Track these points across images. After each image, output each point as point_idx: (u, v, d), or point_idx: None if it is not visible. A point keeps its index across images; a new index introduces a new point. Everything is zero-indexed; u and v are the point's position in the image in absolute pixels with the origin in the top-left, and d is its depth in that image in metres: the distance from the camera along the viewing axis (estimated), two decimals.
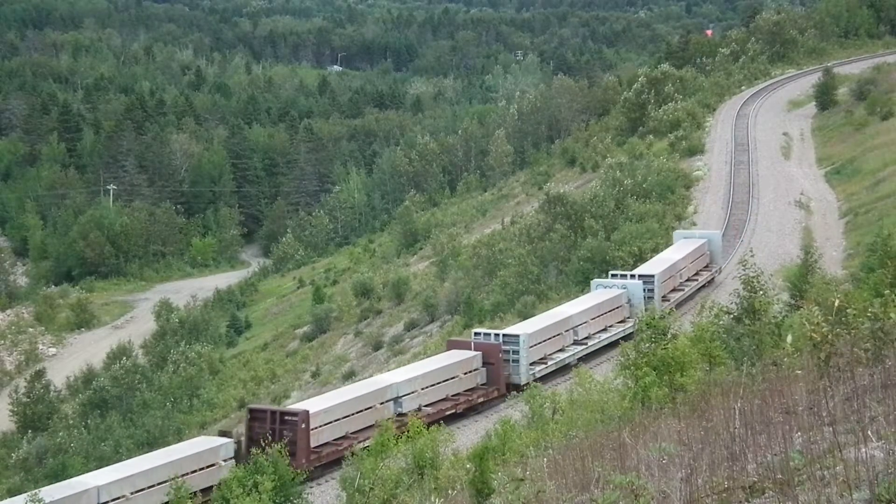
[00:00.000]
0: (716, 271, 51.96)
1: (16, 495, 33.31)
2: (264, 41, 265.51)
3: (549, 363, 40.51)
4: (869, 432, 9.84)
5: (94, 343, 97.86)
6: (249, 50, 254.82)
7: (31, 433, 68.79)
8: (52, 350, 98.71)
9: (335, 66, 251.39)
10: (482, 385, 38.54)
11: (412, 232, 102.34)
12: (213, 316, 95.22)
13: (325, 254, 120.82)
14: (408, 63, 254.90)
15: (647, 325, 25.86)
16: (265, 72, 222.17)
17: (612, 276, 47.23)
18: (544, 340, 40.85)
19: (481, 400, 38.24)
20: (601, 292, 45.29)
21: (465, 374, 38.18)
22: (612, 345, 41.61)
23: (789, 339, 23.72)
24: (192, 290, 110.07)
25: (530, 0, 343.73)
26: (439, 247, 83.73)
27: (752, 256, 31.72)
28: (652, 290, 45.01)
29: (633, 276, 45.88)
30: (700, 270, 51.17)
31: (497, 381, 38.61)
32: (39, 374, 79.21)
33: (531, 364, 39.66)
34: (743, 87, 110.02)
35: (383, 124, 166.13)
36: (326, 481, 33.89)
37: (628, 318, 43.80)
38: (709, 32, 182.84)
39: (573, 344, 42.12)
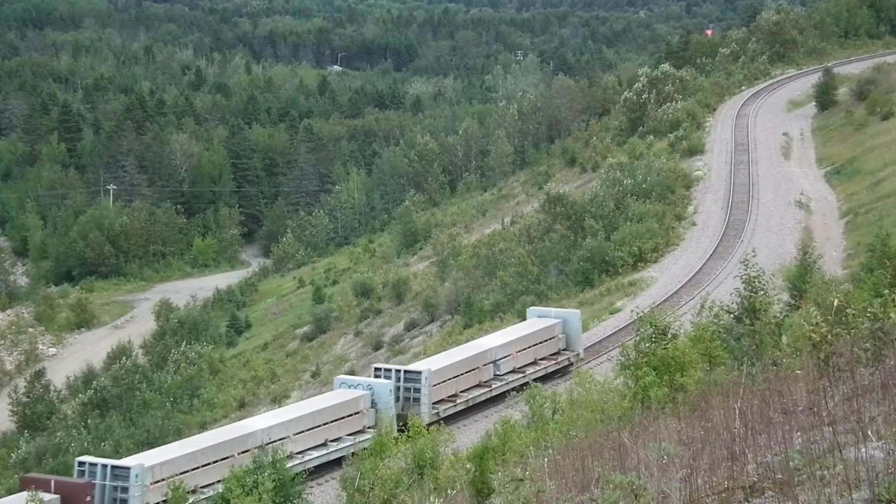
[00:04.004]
0: (571, 358, 42.68)
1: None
2: (264, 41, 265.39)
3: (202, 498, 31.59)
4: (869, 432, 9.84)
5: (94, 343, 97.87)
6: (249, 50, 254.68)
7: (31, 433, 68.79)
8: (52, 350, 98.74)
9: (335, 66, 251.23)
10: None
11: (412, 232, 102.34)
12: (213, 316, 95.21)
13: (325, 254, 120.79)
14: (408, 63, 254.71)
15: (648, 324, 25.89)
16: (265, 72, 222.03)
17: (376, 370, 38.36)
18: (202, 466, 31.66)
19: None
20: (336, 394, 36.90)
21: None
22: (335, 462, 34.33)
23: (785, 339, 23.79)
24: (192, 290, 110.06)
25: (530, 0, 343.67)
26: (439, 247, 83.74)
27: (754, 256, 31.77)
28: (419, 391, 36.59)
29: (398, 373, 37.27)
30: (542, 358, 41.87)
31: None
32: (39, 374, 79.24)
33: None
34: (743, 88, 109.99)
35: (383, 124, 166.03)
36: (326, 481, 33.92)
37: (369, 427, 35.34)
38: (709, 32, 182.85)
39: None
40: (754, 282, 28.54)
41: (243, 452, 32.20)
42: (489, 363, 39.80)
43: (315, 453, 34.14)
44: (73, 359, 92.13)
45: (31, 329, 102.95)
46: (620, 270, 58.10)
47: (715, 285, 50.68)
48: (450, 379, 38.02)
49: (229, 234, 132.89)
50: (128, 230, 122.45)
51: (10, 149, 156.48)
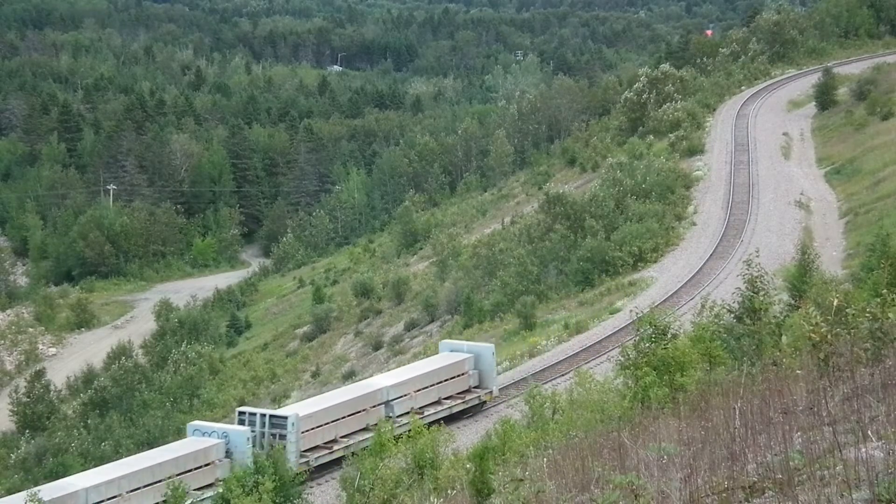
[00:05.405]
0: (482, 396, 39.90)
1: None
2: (264, 41, 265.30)
3: None
4: (869, 432, 9.85)
5: (94, 343, 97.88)
6: (249, 50, 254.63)
7: (31, 433, 68.82)
8: (52, 350, 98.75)
9: (335, 66, 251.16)
10: None
11: (412, 232, 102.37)
12: (213, 316, 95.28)
13: (325, 254, 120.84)
14: (408, 63, 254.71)
15: (647, 324, 25.87)
16: (265, 72, 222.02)
17: (240, 414, 35.51)
18: None
19: None
20: (187, 443, 33.89)
21: None
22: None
23: (785, 339, 23.80)
24: (192, 290, 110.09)
25: (530, 0, 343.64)
26: (439, 247, 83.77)
27: (757, 256, 31.86)
28: (285, 438, 33.56)
29: (263, 417, 34.45)
30: (448, 397, 38.95)
31: None
32: (39, 374, 79.27)
33: None
34: (743, 87, 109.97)
35: (383, 124, 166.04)
36: (326, 481, 33.92)
37: (221, 480, 31.83)
38: (709, 32, 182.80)
39: None
40: (756, 282, 28.55)
41: None
42: (379, 404, 36.56)
43: None
44: (73, 359, 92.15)
45: (31, 329, 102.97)
46: (620, 270, 58.13)
47: (715, 285, 50.68)
48: (326, 423, 34.82)
49: (229, 234, 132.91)
50: (128, 230, 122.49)
51: (10, 149, 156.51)
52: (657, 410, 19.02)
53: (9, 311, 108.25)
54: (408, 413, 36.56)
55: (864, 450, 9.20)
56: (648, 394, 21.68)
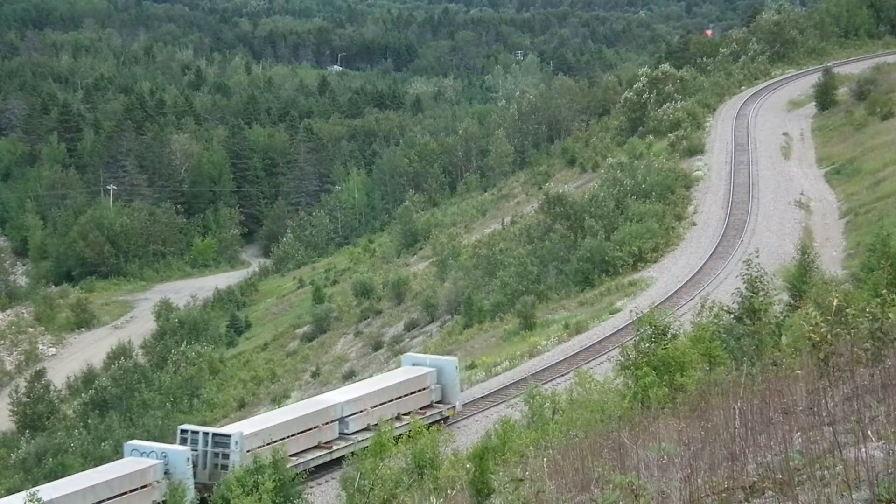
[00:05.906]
0: (444, 412, 38.65)
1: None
2: (264, 41, 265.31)
3: None
4: (869, 432, 9.85)
5: (94, 343, 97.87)
6: (249, 50, 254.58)
7: (31, 433, 68.83)
8: (52, 350, 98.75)
9: (335, 66, 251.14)
10: None
11: (412, 232, 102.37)
12: (213, 316, 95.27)
13: (325, 254, 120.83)
14: (408, 63, 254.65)
15: (647, 324, 25.86)
16: (265, 72, 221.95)
17: (182, 433, 34.05)
18: None
19: None
20: (123, 464, 32.30)
21: None
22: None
23: (785, 339, 23.80)
24: (192, 290, 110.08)
25: (530, 0, 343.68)
26: (439, 247, 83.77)
27: (757, 256, 31.86)
28: (228, 457, 32.27)
29: (206, 436, 33.18)
30: (408, 413, 37.37)
31: None
32: (39, 374, 79.28)
33: None
34: (743, 87, 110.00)
35: (383, 124, 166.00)
36: (326, 481, 33.92)
37: (159, 502, 31.12)
38: (709, 32, 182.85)
39: None
40: (756, 282, 28.54)
41: None
42: (332, 421, 35.34)
43: None
44: (73, 359, 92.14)
45: (31, 329, 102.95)
46: (620, 270, 58.14)
47: (715, 285, 50.68)
48: (274, 441, 33.37)
49: (229, 234, 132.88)
50: (128, 230, 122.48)
51: (10, 149, 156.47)
52: (657, 410, 19.01)
53: (9, 311, 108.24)
54: (364, 430, 35.49)
55: (864, 450, 9.20)
56: (648, 394, 21.67)
